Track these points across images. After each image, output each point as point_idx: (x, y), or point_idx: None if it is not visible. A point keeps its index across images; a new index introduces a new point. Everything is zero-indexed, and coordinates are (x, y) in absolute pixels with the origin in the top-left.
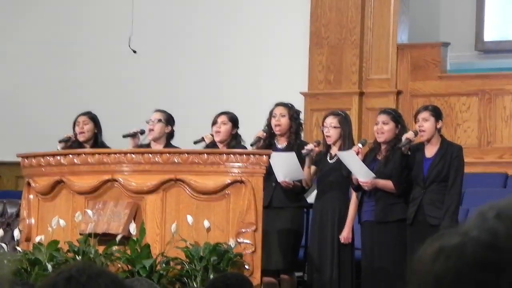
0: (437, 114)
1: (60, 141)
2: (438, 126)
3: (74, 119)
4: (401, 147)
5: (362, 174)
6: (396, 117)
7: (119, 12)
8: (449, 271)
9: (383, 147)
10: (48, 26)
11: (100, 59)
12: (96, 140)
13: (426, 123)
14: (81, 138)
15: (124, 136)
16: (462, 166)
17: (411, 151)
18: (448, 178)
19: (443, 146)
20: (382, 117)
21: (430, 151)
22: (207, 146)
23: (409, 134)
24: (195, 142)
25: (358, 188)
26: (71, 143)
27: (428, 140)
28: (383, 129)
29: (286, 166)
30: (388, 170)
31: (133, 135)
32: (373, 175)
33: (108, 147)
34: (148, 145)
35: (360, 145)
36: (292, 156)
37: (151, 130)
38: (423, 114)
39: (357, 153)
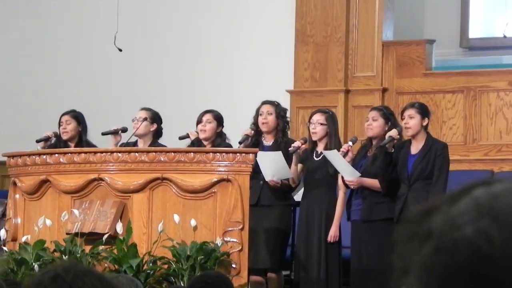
0: (423, 111)
1: (37, 141)
2: (424, 124)
3: (59, 118)
4: (383, 145)
5: (347, 173)
6: (386, 114)
7: (104, 10)
8: (438, 266)
9: (373, 143)
10: (32, 23)
11: (86, 57)
12: (81, 139)
13: (411, 120)
14: (64, 137)
15: (104, 134)
16: (447, 163)
17: (395, 148)
18: (433, 176)
19: (427, 143)
20: (372, 113)
21: (415, 148)
22: (192, 143)
23: (392, 132)
24: (180, 138)
25: (347, 185)
26: (54, 142)
27: (413, 137)
28: (372, 124)
29: (273, 165)
30: (375, 169)
31: (114, 133)
32: (359, 174)
33: (94, 145)
34: (135, 144)
35: (350, 143)
36: (279, 155)
37: (136, 128)
38: (409, 111)
39: (347, 151)
